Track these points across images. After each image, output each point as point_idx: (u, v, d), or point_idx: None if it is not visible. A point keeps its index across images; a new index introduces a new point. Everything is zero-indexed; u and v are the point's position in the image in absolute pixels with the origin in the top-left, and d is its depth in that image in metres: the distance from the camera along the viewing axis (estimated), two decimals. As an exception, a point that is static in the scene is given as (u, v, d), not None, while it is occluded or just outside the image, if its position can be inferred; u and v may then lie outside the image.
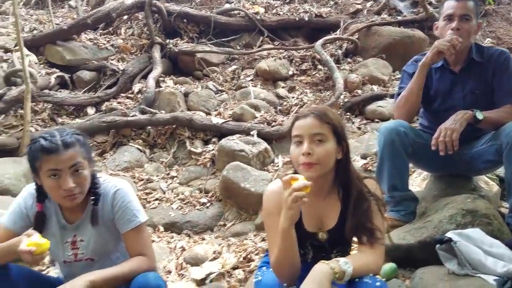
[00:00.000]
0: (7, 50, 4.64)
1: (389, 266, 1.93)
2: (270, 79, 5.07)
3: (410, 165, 2.30)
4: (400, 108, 2.25)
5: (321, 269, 1.37)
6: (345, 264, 1.38)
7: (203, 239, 3.04)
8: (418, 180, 2.61)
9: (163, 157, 4.07)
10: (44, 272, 2.40)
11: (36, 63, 4.63)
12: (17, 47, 4.26)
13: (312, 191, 1.48)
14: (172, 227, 3.18)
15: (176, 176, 3.81)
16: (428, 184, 2.42)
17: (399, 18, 5.63)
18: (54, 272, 2.39)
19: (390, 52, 4.98)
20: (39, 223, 1.65)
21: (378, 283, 1.42)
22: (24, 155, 3.53)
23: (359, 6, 6.02)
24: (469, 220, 1.85)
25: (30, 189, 1.72)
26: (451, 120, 2.03)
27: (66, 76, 4.78)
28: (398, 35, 5.11)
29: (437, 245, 1.76)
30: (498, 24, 6.14)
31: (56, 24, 5.53)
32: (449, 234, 1.73)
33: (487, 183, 2.38)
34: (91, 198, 1.67)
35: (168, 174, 3.87)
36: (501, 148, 1.96)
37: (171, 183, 3.71)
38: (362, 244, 1.51)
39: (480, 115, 2.02)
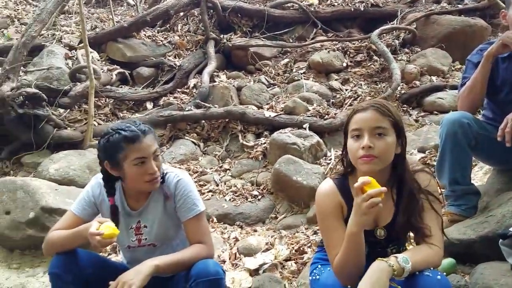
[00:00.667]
0: (71, 48, 4.92)
1: (448, 261, 1.87)
2: (323, 71, 5.02)
3: (473, 158, 2.20)
4: (464, 99, 2.15)
5: (380, 267, 1.35)
6: (403, 261, 1.36)
7: (255, 230, 3.08)
8: (480, 174, 2.48)
9: (216, 150, 4.16)
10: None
11: (98, 60, 4.87)
12: (81, 45, 4.50)
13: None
14: (225, 218, 3.24)
15: (228, 169, 3.88)
16: (491, 178, 2.30)
17: (460, 6, 5.34)
18: (116, 259, 2.52)
19: (450, 42, 4.75)
20: (114, 216, 1.74)
21: (438, 277, 1.39)
22: (90, 148, 3.75)
23: (417, -5, 5.78)
24: None
25: (97, 179, 1.82)
26: None
27: (127, 72, 4.98)
28: (459, 24, 4.86)
29: (500, 240, 1.68)
30: None
31: (116, 22, 5.79)
32: (513, 229, 1.64)
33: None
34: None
35: (221, 166, 3.94)
36: None
37: (224, 176, 3.78)
38: (418, 239, 1.49)
39: None
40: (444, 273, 1.77)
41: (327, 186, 1.59)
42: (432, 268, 1.41)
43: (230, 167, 3.93)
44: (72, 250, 1.72)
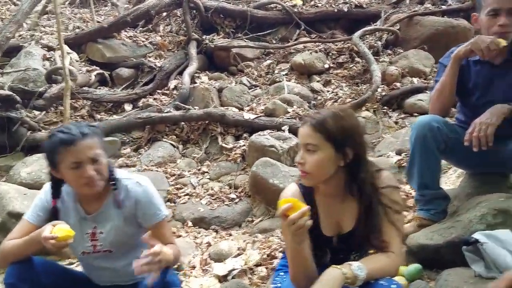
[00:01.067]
0: (50, 49, 4.84)
1: (414, 266, 1.84)
2: (305, 73, 4.99)
3: (445, 162, 2.17)
4: (434, 102, 2.12)
5: (332, 274, 1.34)
6: (358, 269, 1.34)
7: (230, 234, 3.02)
8: (453, 178, 2.46)
9: (195, 153, 4.10)
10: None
11: (77, 61, 4.80)
12: (58, 45, 4.43)
13: (328, 193, 1.53)
14: (201, 222, 3.18)
15: (207, 172, 3.82)
16: (462, 182, 2.28)
17: (443, 7, 5.34)
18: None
19: (433, 43, 4.73)
20: (54, 218, 1.68)
21: (393, 285, 1.38)
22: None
23: (402, -4, 5.78)
24: (500, 221, 1.74)
25: (50, 183, 1.77)
26: (487, 113, 1.89)
27: (106, 73, 4.91)
28: (442, 25, 4.84)
29: (464, 246, 1.66)
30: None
31: (98, 22, 5.71)
32: (476, 235, 1.63)
33: (526, 180, 2.19)
34: (111, 184, 1.69)
35: (199, 169, 3.89)
36: None
37: (201, 178, 3.73)
38: (376, 248, 1.47)
39: None
40: (406, 281, 1.76)
41: (290, 191, 1.57)
42: (388, 277, 1.39)
43: (208, 169, 3.87)
44: (27, 259, 1.67)
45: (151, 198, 1.72)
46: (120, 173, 1.75)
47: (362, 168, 1.48)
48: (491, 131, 1.83)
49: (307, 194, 1.56)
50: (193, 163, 3.97)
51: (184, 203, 3.39)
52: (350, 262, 1.37)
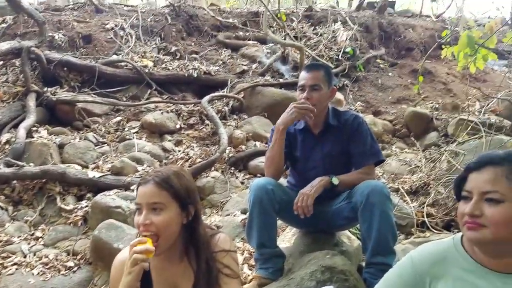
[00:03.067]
0: None
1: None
2: (156, 132, 5.01)
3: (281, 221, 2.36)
4: (267, 166, 2.35)
5: None
6: None
7: (64, 308, 2.73)
8: (289, 236, 2.68)
9: (28, 215, 3.68)
10: None
11: None
12: None
13: (164, 256, 1.46)
14: (30, 296, 2.82)
15: (41, 237, 3.45)
16: (296, 240, 2.49)
17: (281, 80, 6.04)
18: None
19: (272, 111, 5.23)
20: None
21: None
22: None
23: (245, 67, 6.38)
24: (328, 277, 1.92)
25: None
26: (309, 186, 2.17)
27: None
28: (280, 96, 5.45)
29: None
30: (368, 89, 6.91)
31: None
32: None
33: (349, 238, 2.53)
34: None
35: (32, 234, 3.48)
36: (356, 206, 2.10)
37: (34, 245, 3.34)
38: None
39: (336, 180, 2.17)
40: None
41: (123, 256, 1.50)
42: None
43: (43, 234, 3.50)
44: None
45: None
46: None
47: (199, 227, 1.50)
48: (310, 202, 2.09)
49: None
50: (25, 227, 3.55)
51: (11, 274, 2.97)
52: None
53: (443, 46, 4.07)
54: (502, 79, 6.18)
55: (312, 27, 7.77)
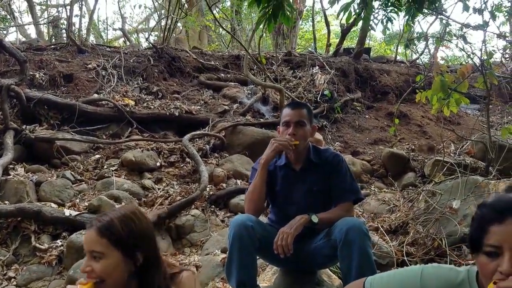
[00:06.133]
0: None
1: None
2: (136, 169, 4.97)
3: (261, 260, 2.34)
4: (248, 202, 2.36)
5: None
6: None
7: None
8: (269, 275, 2.65)
9: (1, 255, 3.54)
10: None
11: None
12: None
13: None
14: None
15: (14, 277, 3.32)
16: (277, 279, 2.47)
17: (261, 120, 6.16)
18: None
19: (253, 150, 5.33)
20: None
21: None
22: None
23: (227, 107, 6.49)
24: None
25: None
26: (289, 224, 2.16)
27: None
28: (260, 135, 5.55)
29: None
30: (346, 130, 7.08)
31: None
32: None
33: (330, 276, 2.52)
34: None
35: (4, 274, 3.35)
36: (336, 243, 2.09)
37: (6, 285, 3.21)
38: None
39: (315, 219, 2.18)
40: None
41: None
42: None
43: (16, 274, 3.37)
44: None
45: None
46: None
47: (154, 271, 1.44)
48: (290, 240, 2.08)
49: None
50: (-3, 268, 3.41)
51: (-22, 317, 2.83)
52: None
53: (417, 90, 4.26)
54: (475, 122, 6.42)
55: (291, 71, 8.02)
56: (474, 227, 1.17)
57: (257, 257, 2.25)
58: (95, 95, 5.98)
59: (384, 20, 3.95)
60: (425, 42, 8.70)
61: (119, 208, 1.51)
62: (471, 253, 1.15)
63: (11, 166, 4.50)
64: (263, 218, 2.86)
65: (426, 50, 10.91)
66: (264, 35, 9.78)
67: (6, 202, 3.87)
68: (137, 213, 1.49)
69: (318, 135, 5.79)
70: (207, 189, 4.55)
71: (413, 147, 6.34)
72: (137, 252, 1.41)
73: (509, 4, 6.08)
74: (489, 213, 1.13)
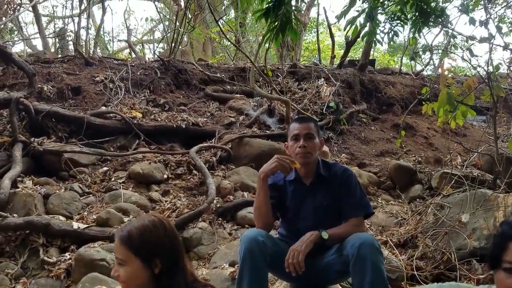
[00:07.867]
0: None
1: None
2: (143, 182, 4.98)
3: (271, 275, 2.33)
4: (256, 220, 2.36)
5: None
6: None
7: None
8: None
9: (9, 268, 3.54)
10: None
11: None
12: None
13: None
14: None
15: (22, 291, 3.31)
16: (287, 294, 2.46)
17: (268, 132, 6.18)
18: None
19: (260, 162, 5.22)
20: None
21: None
22: None
23: (233, 119, 6.51)
24: None
25: None
26: (299, 241, 2.16)
27: None
28: (267, 147, 5.55)
29: None
30: (352, 142, 7.07)
31: None
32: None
33: (341, 291, 2.51)
34: None
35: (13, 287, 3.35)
36: (348, 259, 2.08)
37: (14, 299, 3.21)
38: None
39: (325, 235, 2.18)
40: None
41: None
42: None
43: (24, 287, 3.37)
44: None
45: None
46: None
47: (174, 279, 1.53)
48: (301, 258, 2.08)
49: None
50: (6, 280, 3.40)
51: (-14, 332, 2.83)
52: None
53: (423, 102, 4.26)
54: (482, 134, 6.40)
55: (297, 83, 8.05)
56: (494, 244, 1.18)
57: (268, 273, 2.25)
58: (103, 108, 6.03)
59: (390, 34, 3.99)
60: (430, 54, 8.73)
61: (140, 217, 1.64)
62: (490, 269, 1.14)
63: (19, 179, 4.52)
64: (272, 232, 2.85)
65: (431, 62, 10.94)
66: (269, 47, 9.84)
67: (15, 215, 3.88)
68: (156, 222, 1.57)
69: (324, 147, 5.80)
70: (214, 201, 4.55)
71: (419, 159, 6.32)
72: (155, 259, 1.51)
73: (513, 16, 6.11)
74: (509, 230, 1.14)
